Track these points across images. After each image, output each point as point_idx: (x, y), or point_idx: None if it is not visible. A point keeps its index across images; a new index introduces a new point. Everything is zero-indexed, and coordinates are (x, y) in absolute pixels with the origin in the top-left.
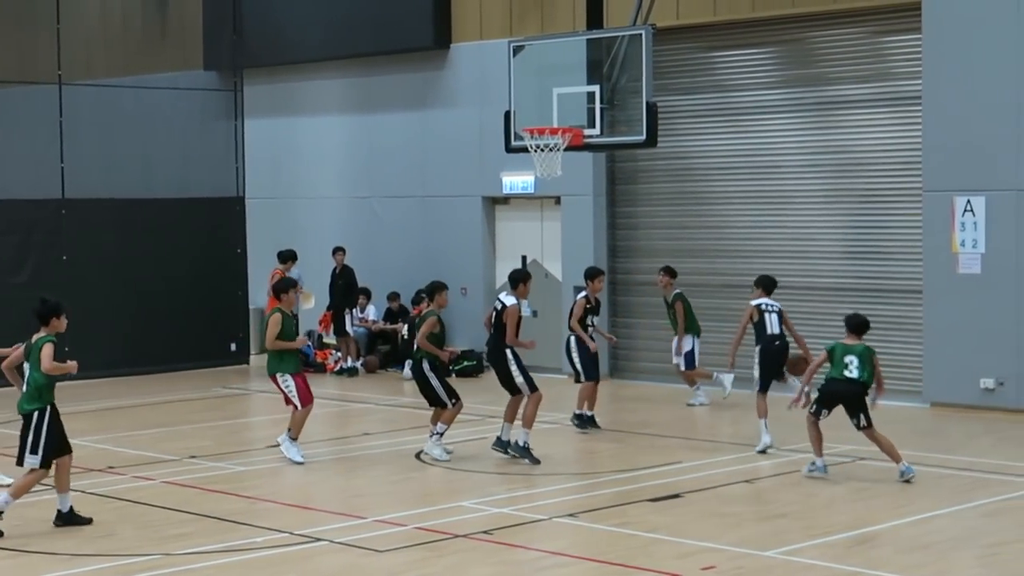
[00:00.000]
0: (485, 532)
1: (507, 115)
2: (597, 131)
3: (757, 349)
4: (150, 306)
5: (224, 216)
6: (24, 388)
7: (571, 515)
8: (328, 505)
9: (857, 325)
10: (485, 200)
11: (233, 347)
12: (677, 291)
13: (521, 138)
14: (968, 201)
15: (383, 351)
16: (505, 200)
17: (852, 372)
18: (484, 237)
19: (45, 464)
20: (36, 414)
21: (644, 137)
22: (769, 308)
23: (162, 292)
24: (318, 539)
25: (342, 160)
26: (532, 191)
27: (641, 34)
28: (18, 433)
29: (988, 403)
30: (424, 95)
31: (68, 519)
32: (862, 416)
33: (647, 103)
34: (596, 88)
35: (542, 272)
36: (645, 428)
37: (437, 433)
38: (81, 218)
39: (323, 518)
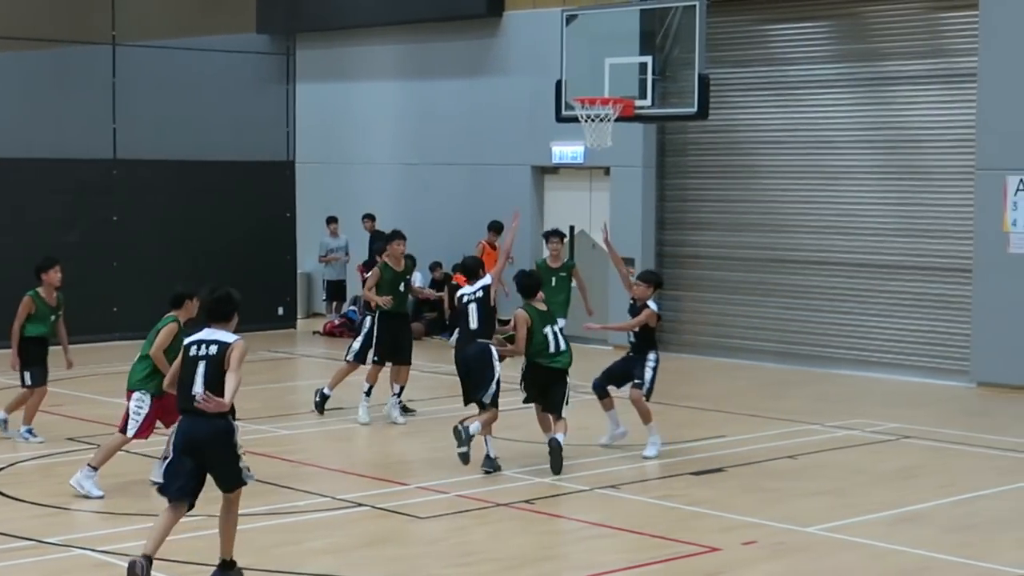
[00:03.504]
0: (526, 502)
1: (558, 84)
2: (648, 102)
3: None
4: (198, 268)
5: (274, 180)
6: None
7: (613, 487)
8: (371, 471)
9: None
10: (534, 169)
11: (280, 311)
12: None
13: (572, 108)
14: (1021, 180)
15: (428, 318)
16: (555, 170)
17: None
18: (532, 206)
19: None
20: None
21: (696, 109)
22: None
23: (210, 254)
24: (360, 504)
25: (392, 126)
26: (582, 161)
27: (695, 5)
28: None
29: None
30: (476, 63)
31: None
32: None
33: (699, 75)
34: (648, 59)
35: (589, 243)
36: (689, 401)
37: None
38: (132, 179)
39: (365, 483)
